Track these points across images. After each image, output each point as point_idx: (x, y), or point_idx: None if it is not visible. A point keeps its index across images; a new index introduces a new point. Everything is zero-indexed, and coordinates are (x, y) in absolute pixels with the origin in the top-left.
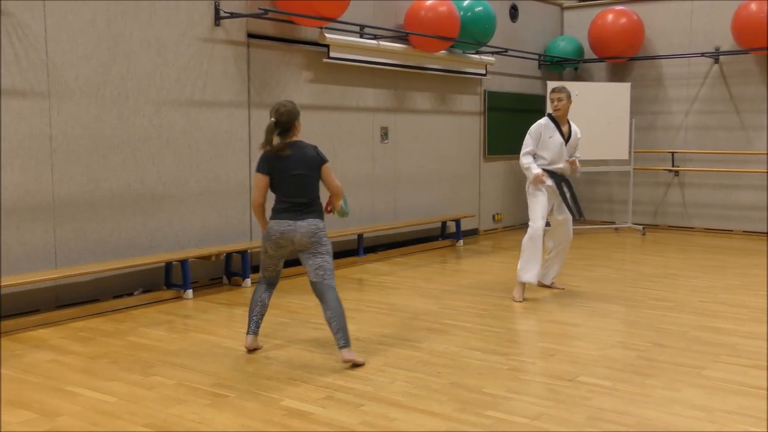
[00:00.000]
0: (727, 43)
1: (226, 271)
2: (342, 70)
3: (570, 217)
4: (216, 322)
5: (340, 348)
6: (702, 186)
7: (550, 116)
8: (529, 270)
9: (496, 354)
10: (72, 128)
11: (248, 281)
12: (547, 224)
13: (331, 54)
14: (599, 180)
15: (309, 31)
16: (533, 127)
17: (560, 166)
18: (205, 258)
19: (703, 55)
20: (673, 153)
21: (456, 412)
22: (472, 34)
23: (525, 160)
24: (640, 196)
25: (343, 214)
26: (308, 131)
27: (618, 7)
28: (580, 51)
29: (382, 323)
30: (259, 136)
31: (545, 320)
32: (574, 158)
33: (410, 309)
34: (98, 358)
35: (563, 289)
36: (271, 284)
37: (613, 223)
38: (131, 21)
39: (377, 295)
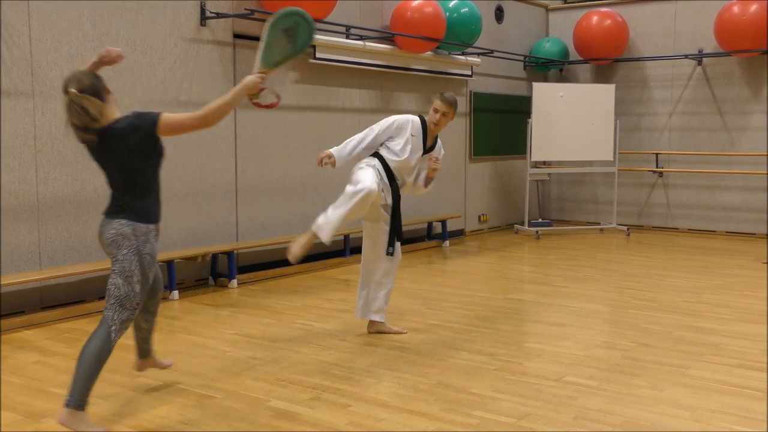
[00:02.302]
0: (710, 45)
1: (212, 272)
2: (328, 70)
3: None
4: (202, 323)
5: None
6: (686, 187)
7: (422, 118)
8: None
9: (482, 354)
10: (57, 128)
11: (234, 282)
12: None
13: (317, 55)
14: (584, 181)
15: None
16: (401, 118)
17: (403, 173)
18: (191, 259)
19: (686, 57)
20: (657, 154)
21: (443, 412)
22: (457, 35)
23: (349, 142)
24: (624, 197)
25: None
26: (294, 132)
27: (603, 9)
28: (565, 52)
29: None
30: (246, 137)
31: (531, 320)
32: (437, 160)
33: (397, 309)
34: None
35: (405, 333)
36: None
37: (598, 223)
38: (117, 21)
39: None
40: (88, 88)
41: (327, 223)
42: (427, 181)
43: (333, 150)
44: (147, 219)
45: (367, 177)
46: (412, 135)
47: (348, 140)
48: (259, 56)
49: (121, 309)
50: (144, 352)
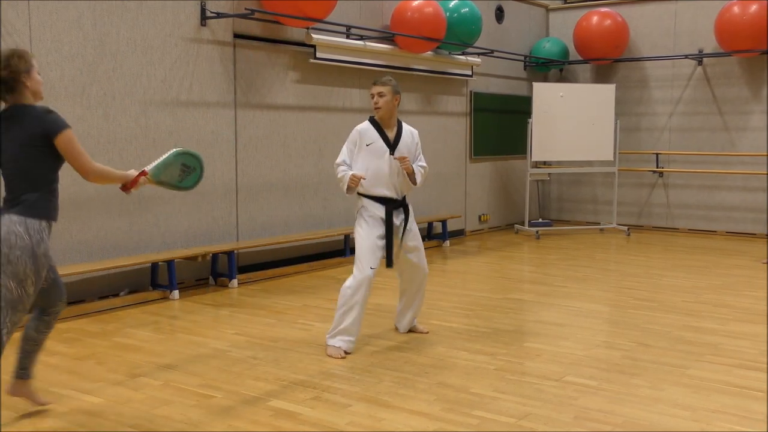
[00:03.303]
0: (710, 45)
1: (212, 272)
2: (328, 70)
3: (421, 247)
4: (202, 323)
5: None
6: (686, 187)
7: (371, 119)
8: (349, 335)
9: (482, 354)
10: None
11: (235, 282)
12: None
13: (318, 54)
14: (584, 181)
15: (295, 32)
16: (351, 134)
17: (389, 188)
18: (192, 258)
19: (686, 57)
20: (657, 154)
21: (443, 411)
22: (458, 35)
23: (338, 169)
24: (624, 197)
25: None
26: (294, 132)
27: (603, 9)
28: (565, 52)
29: (369, 324)
30: (246, 137)
31: (531, 320)
32: (405, 156)
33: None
34: (84, 359)
35: (427, 332)
36: (39, 309)
37: (597, 223)
38: (117, 21)
39: None
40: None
41: (331, 330)
42: (410, 177)
43: (352, 172)
44: (39, 215)
45: (363, 259)
46: (367, 144)
47: (338, 166)
48: (153, 164)
49: (13, 312)
50: (22, 372)
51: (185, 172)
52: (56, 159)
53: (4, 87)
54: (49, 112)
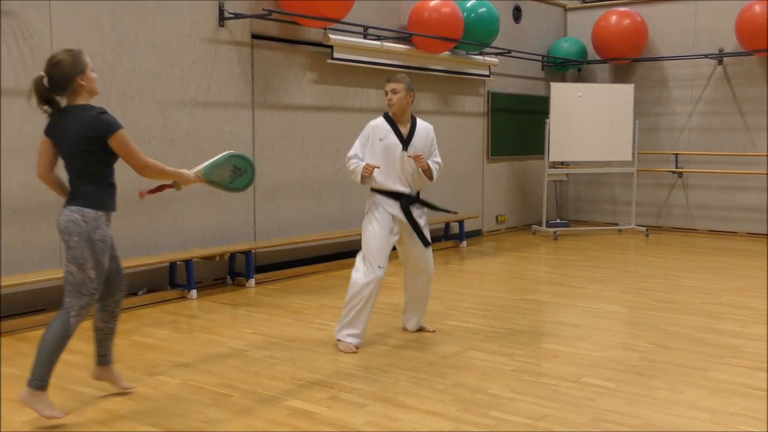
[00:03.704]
0: (731, 44)
1: (230, 271)
2: (345, 70)
3: (425, 248)
4: (220, 322)
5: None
6: (705, 187)
7: (386, 115)
8: (354, 329)
9: (499, 355)
10: None
11: (252, 281)
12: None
13: (335, 55)
14: (602, 181)
15: (313, 32)
16: (365, 129)
17: (402, 184)
18: (209, 258)
19: (706, 56)
20: (676, 154)
21: (460, 412)
22: (475, 35)
23: (350, 162)
24: (643, 198)
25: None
26: (312, 132)
27: (621, 9)
28: (583, 52)
29: (384, 323)
30: (263, 137)
31: (548, 321)
32: (419, 154)
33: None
34: None
35: (433, 331)
36: (101, 298)
37: (616, 224)
38: (136, 21)
39: (381, 295)
40: (56, 78)
41: (339, 326)
42: (425, 173)
43: (364, 163)
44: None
45: (372, 257)
46: (380, 139)
47: (350, 159)
48: (204, 165)
49: (78, 295)
50: (101, 358)
51: (236, 173)
52: (110, 156)
53: (60, 88)
54: (102, 112)
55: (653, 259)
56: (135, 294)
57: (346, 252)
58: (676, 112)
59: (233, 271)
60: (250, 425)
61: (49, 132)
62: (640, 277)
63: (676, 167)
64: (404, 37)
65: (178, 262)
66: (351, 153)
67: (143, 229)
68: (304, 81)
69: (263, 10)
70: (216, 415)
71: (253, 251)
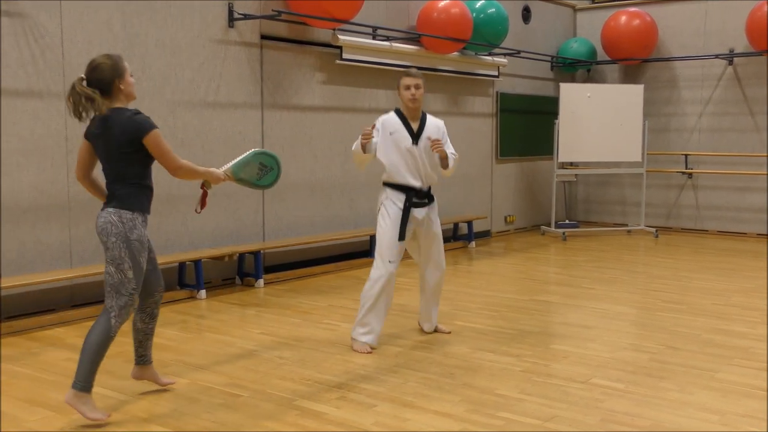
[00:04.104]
0: (741, 44)
1: (239, 272)
2: (354, 71)
3: (439, 245)
4: (229, 323)
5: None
6: (715, 188)
7: (397, 110)
8: (366, 326)
9: (508, 355)
10: None
11: (261, 282)
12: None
13: (344, 55)
14: (612, 182)
15: (322, 33)
16: (376, 123)
17: (411, 177)
18: (219, 258)
19: (717, 56)
20: (686, 155)
21: (468, 413)
22: (484, 36)
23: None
24: (652, 199)
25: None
26: (321, 132)
27: (631, 9)
28: (592, 52)
29: (393, 324)
30: (273, 138)
31: (557, 322)
32: (438, 139)
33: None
34: (113, 357)
35: (449, 332)
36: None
37: (625, 225)
38: (146, 22)
39: None
40: (95, 82)
41: (356, 325)
42: (442, 162)
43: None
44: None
45: (383, 252)
46: (390, 133)
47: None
48: (232, 163)
49: (117, 295)
50: (141, 358)
51: (263, 170)
52: (146, 157)
53: (100, 92)
54: (137, 113)
55: (663, 260)
56: None
57: (355, 252)
58: (686, 112)
59: (242, 272)
60: (258, 425)
61: (88, 135)
62: (649, 278)
63: (686, 168)
64: (413, 38)
65: (187, 263)
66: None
67: (153, 229)
68: (313, 82)
69: (272, 10)
70: (225, 415)
71: (262, 251)
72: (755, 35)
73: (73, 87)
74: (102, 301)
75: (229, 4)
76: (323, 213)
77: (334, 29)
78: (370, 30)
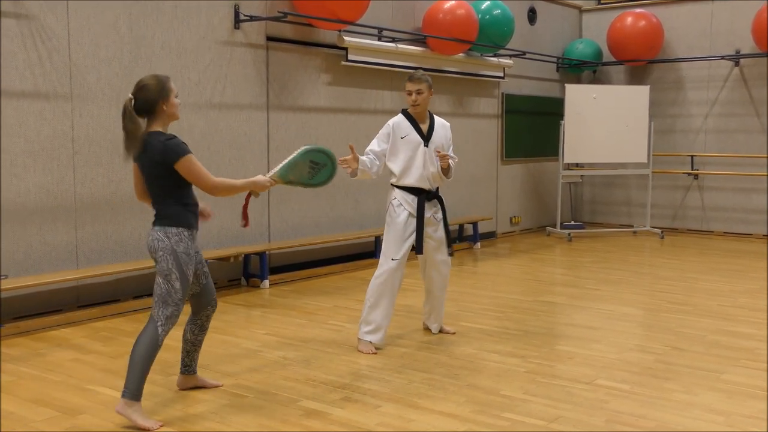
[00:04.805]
0: (748, 45)
1: (244, 273)
2: (360, 72)
3: (445, 249)
4: (234, 323)
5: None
6: (721, 189)
7: (404, 112)
8: (370, 324)
9: (513, 356)
10: (94, 130)
11: (266, 282)
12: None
13: (350, 57)
14: (617, 183)
15: (327, 34)
16: (385, 127)
17: (421, 180)
18: (224, 259)
19: (723, 57)
20: (692, 156)
21: (473, 413)
22: (490, 37)
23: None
24: (658, 200)
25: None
26: (326, 134)
27: (637, 10)
28: (598, 54)
29: (398, 324)
30: (278, 139)
31: (562, 323)
32: (446, 153)
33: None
34: (119, 358)
35: (454, 333)
36: (192, 312)
37: (631, 226)
38: (152, 24)
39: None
40: (141, 102)
41: (361, 322)
42: (443, 171)
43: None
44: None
45: (387, 251)
46: (401, 137)
47: (366, 155)
48: (279, 166)
49: (164, 305)
50: (186, 368)
51: (314, 168)
52: (182, 179)
53: (144, 111)
54: (170, 138)
55: (668, 261)
56: (151, 294)
57: (360, 253)
58: (692, 113)
59: (247, 273)
60: (263, 425)
61: (135, 157)
62: (655, 279)
63: (692, 169)
64: (419, 39)
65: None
66: (367, 149)
67: None
68: (318, 83)
69: (278, 12)
70: (230, 416)
71: (267, 252)
72: (761, 36)
73: (124, 110)
74: (108, 302)
75: (235, 5)
76: (328, 214)
77: (339, 30)
78: (375, 31)
